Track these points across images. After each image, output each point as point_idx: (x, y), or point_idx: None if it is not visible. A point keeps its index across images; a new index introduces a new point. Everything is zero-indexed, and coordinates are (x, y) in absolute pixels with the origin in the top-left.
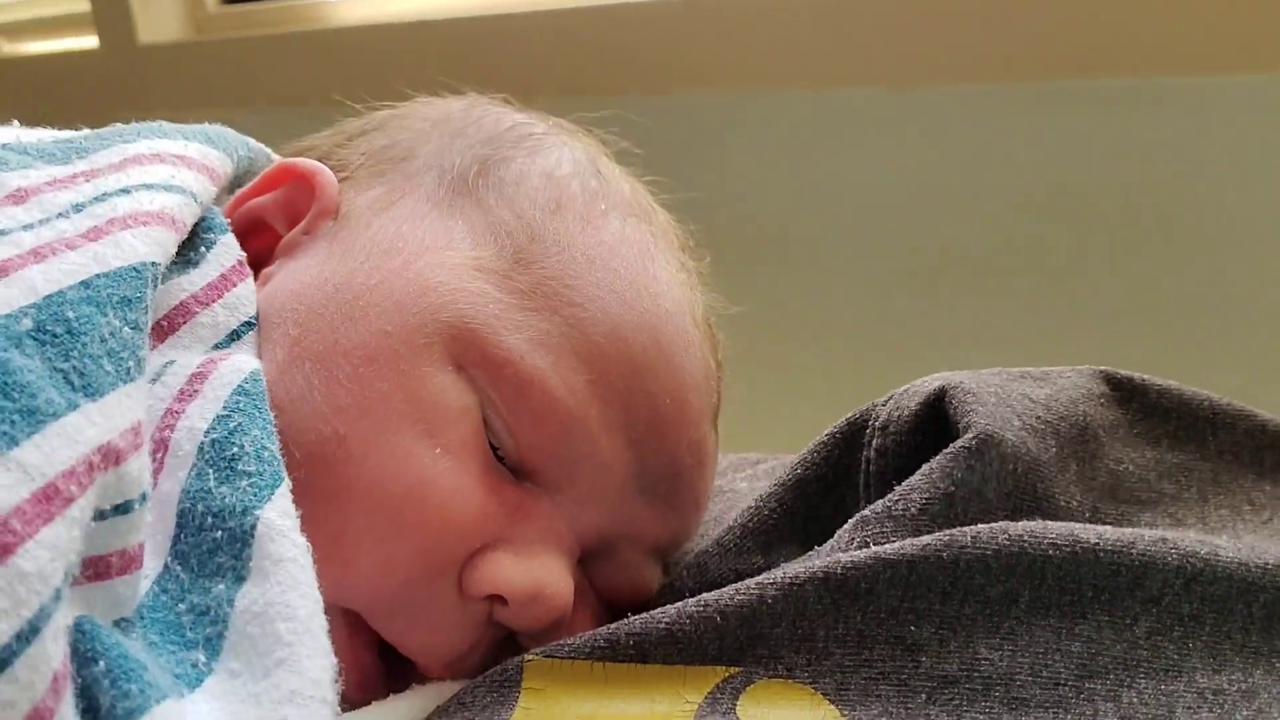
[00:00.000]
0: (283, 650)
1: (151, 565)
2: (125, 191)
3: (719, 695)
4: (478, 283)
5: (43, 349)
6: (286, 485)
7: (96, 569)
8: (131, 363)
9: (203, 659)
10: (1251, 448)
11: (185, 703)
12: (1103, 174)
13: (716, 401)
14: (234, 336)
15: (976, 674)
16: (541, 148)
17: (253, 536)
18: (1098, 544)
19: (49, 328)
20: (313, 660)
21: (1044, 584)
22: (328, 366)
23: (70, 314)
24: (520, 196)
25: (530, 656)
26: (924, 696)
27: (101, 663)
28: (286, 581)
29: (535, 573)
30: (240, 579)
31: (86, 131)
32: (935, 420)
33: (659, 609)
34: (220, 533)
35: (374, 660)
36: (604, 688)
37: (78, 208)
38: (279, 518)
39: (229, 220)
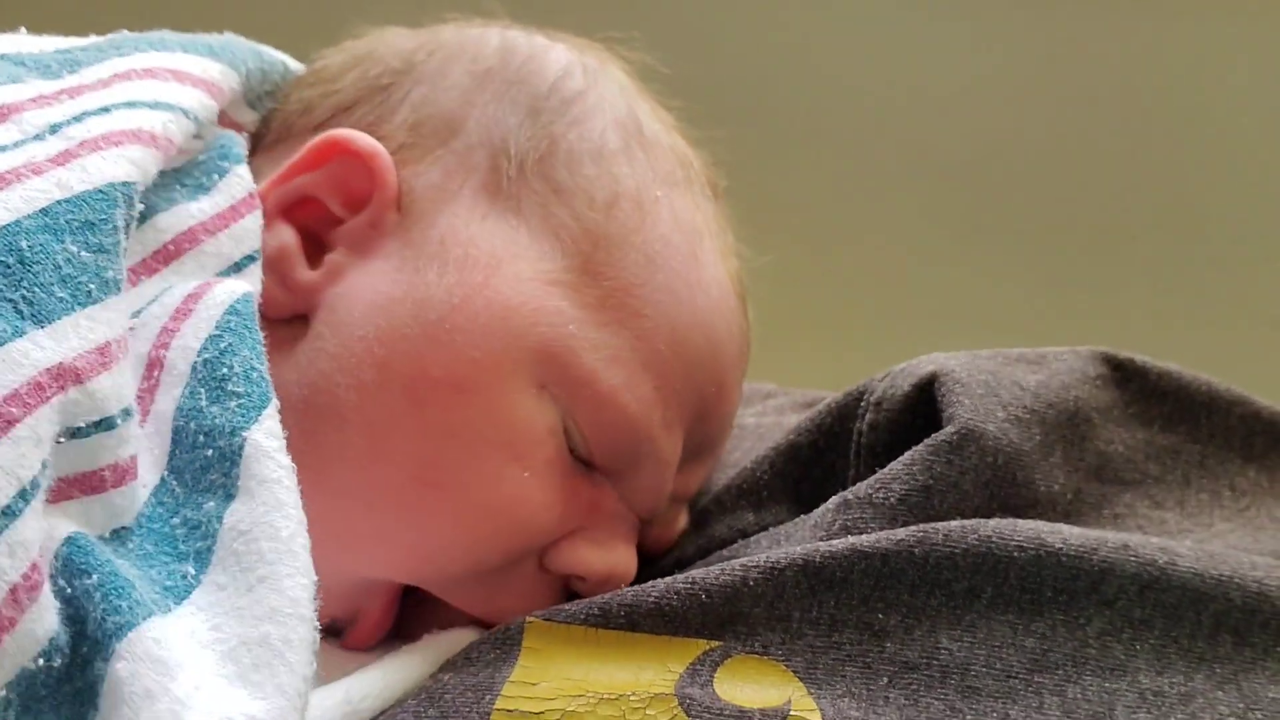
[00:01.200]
0: (265, 568)
1: (150, 478)
2: (105, 110)
3: (699, 666)
4: (553, 300)
5: None
6: (274, 406)
7: (90, 483)
8: (92, 285)
9: (192, 571)
10: (1243, 432)
11: (171, 618)
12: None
13: (745, 367)
14: (236, 268)
15: (936, 662)
16: (585, 116)
17: (240, 456)
18: (1061, 548)
19: (2, 259)
20: (292, 579)
21: (1006, 582)
22: (419, 394)
23: (24, 243)
24: (576, 191)
25: (531, 619)
26: (885, 680)
27: (94, 576)
28: (271, 502)
29: (609, 558)
30: (229, 497)
31: (88, 40)
32: (926, 402)
33: (649, 583)
34: (211, 451)
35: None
36: (596, 651)
37: (54, 129)
38: (265, 439)
39: (267, 194)
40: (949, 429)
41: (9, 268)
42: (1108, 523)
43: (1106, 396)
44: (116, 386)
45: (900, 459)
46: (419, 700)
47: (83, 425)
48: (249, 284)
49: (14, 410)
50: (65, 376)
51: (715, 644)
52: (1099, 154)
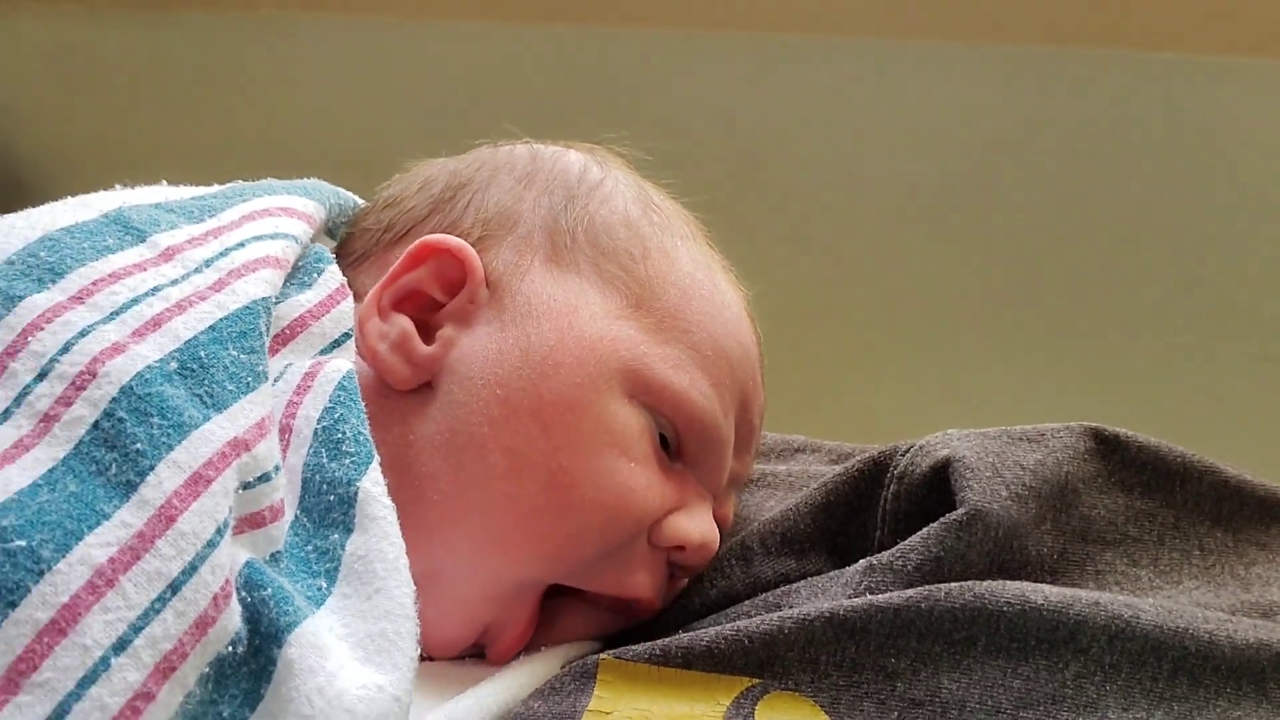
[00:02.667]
0: (379, 583)
1: (288, 516)
2: (241, 245)
3: (742, 700)
4: (624, 329)
5: (185, 381)
6: (376, 461)
7: (255, 520)
8: (249, 378)
9: (324, 585)
10: (1213, 499)
11: (315, 619)
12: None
13: (763, 367)
14: (336, 344)
15: (938, 699)
16: (609, 196)
17: (356, 500)
18: (1043, 604)
19: (189, 365)
20: (400, 589)
21: (997, 632)
22: (543, 418)
23: (202, 353)
24: (618, 250)
25: (604, 656)
26: (896, 714)
27: (268, 589)
28: (379, 534)
29: (703, 528)
30: (349, 530)
31: (215, 189)
32: (940, 481)
33: (703, 629)
34: (333, 496)
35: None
36: (658, 685)
37: (208, 263)
38: (372, 486)
39: (379, 295)
40: (960, 510)
41: (194, 372)
42: (1090, 579)
43: (1092, 467)
44: (270, 449)
45: (919, 533)
46: None
47: (251, 480)
48: (347, 359)
49: (210, 474)
50: (239, 446)
51: (756, 681)
52: (1099, 216)
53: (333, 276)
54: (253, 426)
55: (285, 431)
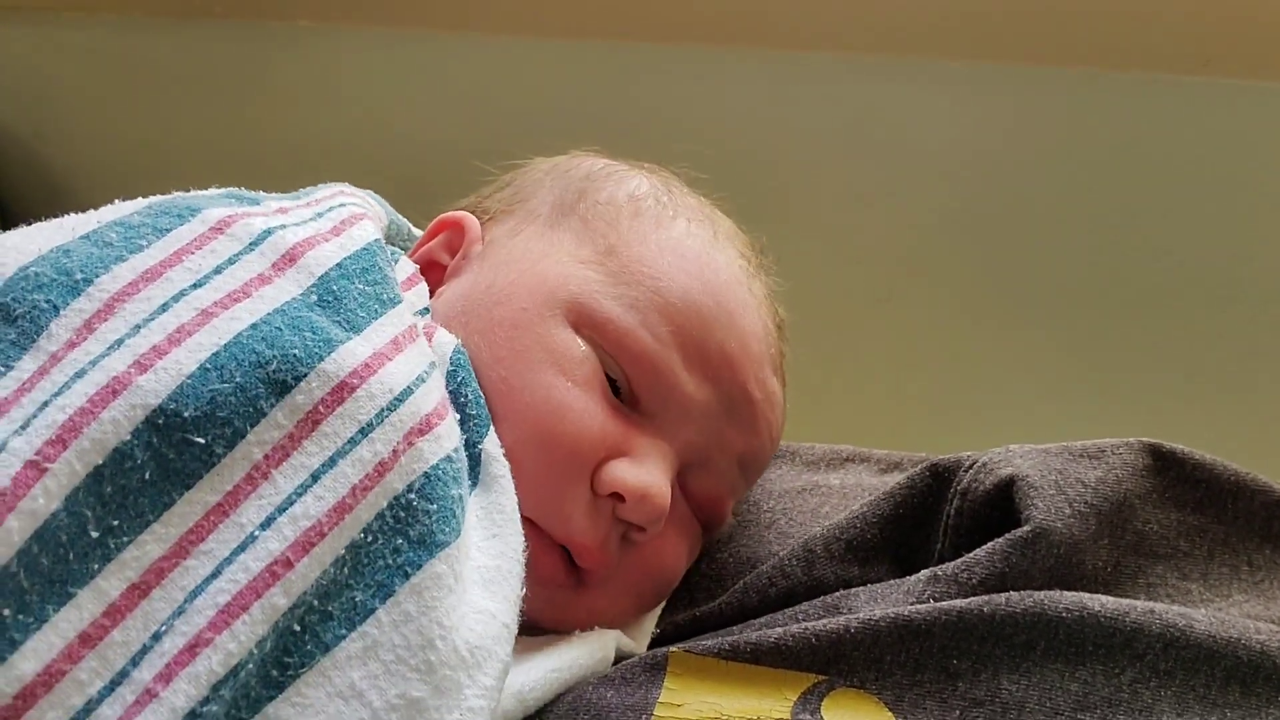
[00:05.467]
0: (496, 529)
1: (449, 420)
2: (342, 205)
3: (809, 696)
4: (583, 270)
5: (325, 310)
6: (491, 425)
7: (423, 426)
8: (376, 305)
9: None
10: (1264, 517)
11: (462, 542)
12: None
13: (777, 354)
14: (421, 313)
15: (998, 700)
16: (626, 178)
17: (480, 459)
18: (1100, 611)
19: (326, 299)
20: (513, 537)
21: (1056, 637)
22: (489, 335)
23: (334, 287)
24: (609, 210)
25: (674, 649)
26: (957, 713)
27: (434, 504)
28: (499, 490)
29: (644, 477)
30: (473, 486)
31: (304, 190)
32: (1004, 497)
33: (771, 627)
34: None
35: (557, 561)
36: (726, 679)
37: (319, 215)
38: (493, 447)
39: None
40: (1026, 528)
41: (331, 303)
42: (1141, 591)
43: (1149, 483)
44: (407, 364)
45: (984, 548)
46: (588, 714)
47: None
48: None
49: (355, 382)
50: (379, 358)
51: (822, 678)
52: (1137, 231)
53: (407, 264)
54: (386, 345)
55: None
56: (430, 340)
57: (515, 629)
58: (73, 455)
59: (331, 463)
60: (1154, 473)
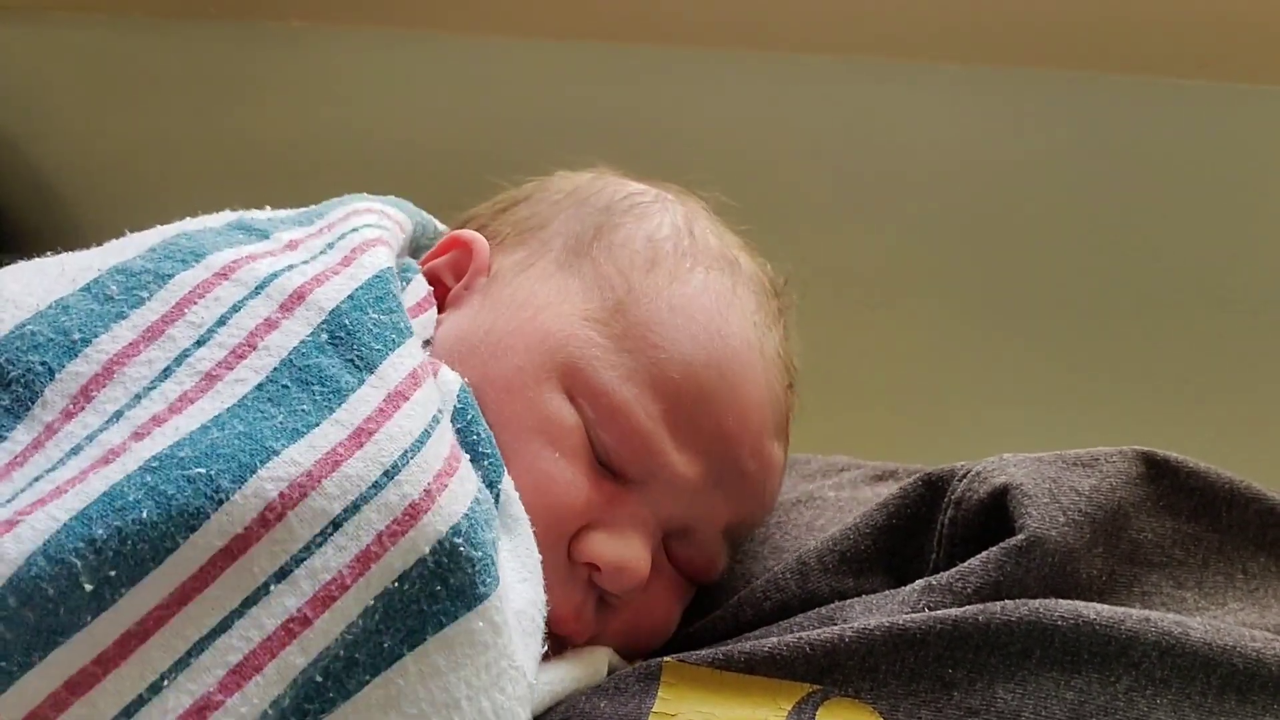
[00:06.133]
0: (528, 574)
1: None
2: (354, 230)
3: (804, 705)
4: (585, 330)
5: (337, 349)
6: (505, 465)
7: (455, 460)
8: (393, 335)
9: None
10: (1258, 525)
11: (502, 592)
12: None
13: (783, 418)
14: (426, 344)
15: (993, 709)
16: (648, 214)
17: (499, 500)
18: (1095, 619)
19: (337, 335)
20: (538, 588)
21: (1052, 645)
22: (481, 391)
23: (346, 321)
24: (624, 256)
25: (668, 659)
26: None
27: (479, 552)
28: (521, 532)
29: (621, 550)
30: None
31: (313, 206)
32: (998, 506)
33: (765, 636)
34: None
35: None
36: (720, 689)
37: (330, 246)
38: (510, 489)
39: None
40: (1020, 537)
41: (343, 340)
42: (1136, 600)
43: (1143, 491)
44: (432, 397)
45: (978, 557)
46: None
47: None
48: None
49: (372, 427)
50: (394, 399)
51: (817, 687)
52: (1135, 237)
53: (420, 286)
54: (405, 379)
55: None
56: (435, 375)
57: (537, 686)
58: None
59: (355, 508)
60: (1148, 481)
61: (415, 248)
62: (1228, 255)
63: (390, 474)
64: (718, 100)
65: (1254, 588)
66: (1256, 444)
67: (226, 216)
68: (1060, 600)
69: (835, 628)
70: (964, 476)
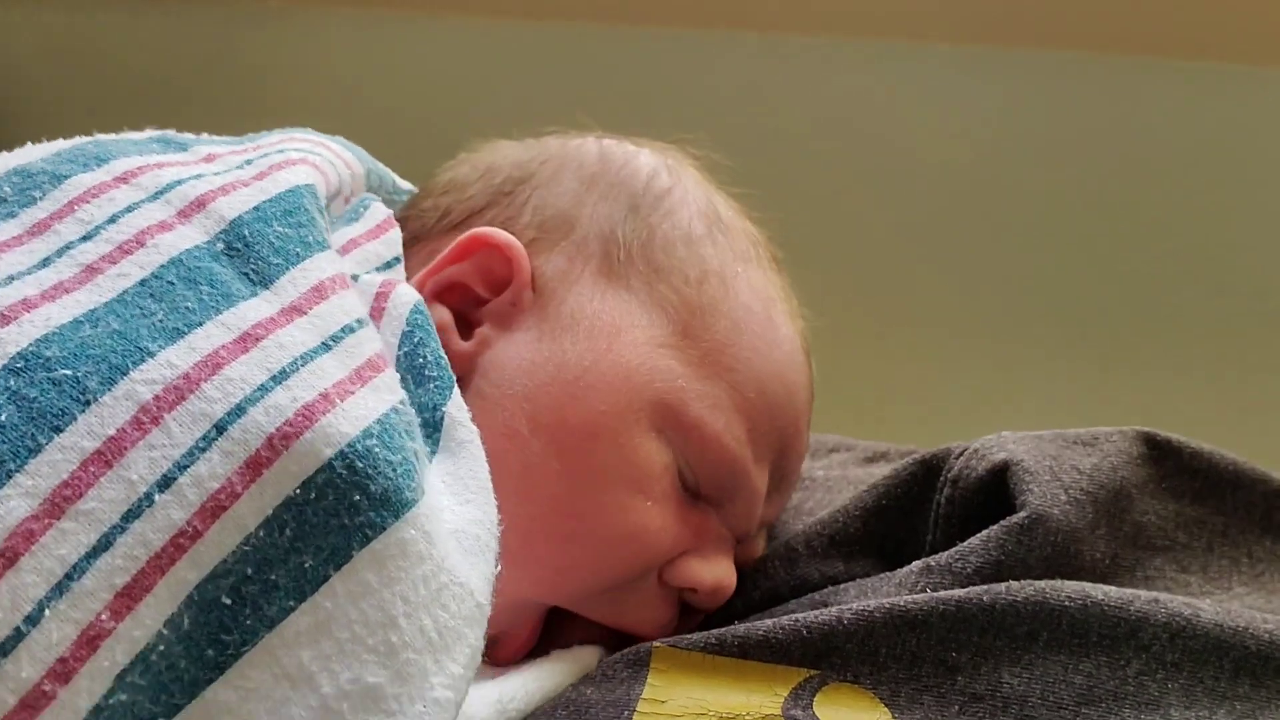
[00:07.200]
0: (471, 496)
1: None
2: (281, 151)
3: (800, 691)
4: (664, 360)
5: (233, 260)
6: (456, 387)
7: (367, 370)
8: (297, 248)
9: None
10: (1263, 508)
11: (431, 499)
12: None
13: (811, 408)
14: (388, 265)
15: (999, 694)
16: (674, 208)
17: (442, 425)
18: (1103, 600)
19: (235, 246)
20: (488, 506)
21: (1059, 628)
22: (560, 441)
23: (246, 232)
24: (673, 270)
25: (658, 644)
26: (956, 708)
27: (397, 455)
28: (468, 457)
29: (717, 573)
30: (432, 453)
31: (254, 134)
32: (997, 484)
33: (758, 620)
34: (419, 420)
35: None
36: (713, 675)
37: (249, 163)
38: (457, 411)
39: (423, 283)
40: (1022, 514)
41: (239, 251)
42: (1140, 584)
43: (1145, 472)
44: (342, 308)
45: (978, 535)
46: (567, 711)
47: (332, 334)
48: (407, 285)
49: (260, 333)
50: (289, 312)
51: (814, 672)
52: (1138, 220)
53: (380, 211)
54: (307, 292)
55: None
56: (387, 297)
57: (489, 610)
58: None
59: (239, 411)
60: (1149, 462)
61: (370, 190)
62: (1229, 237)
63: (279, 379)
64: (708, 81)
65: (1259, 572)
66: (1257, 426)
67: (151, 131)
68: (1067, 581)
69: (833, 609)
70: (961, 454)
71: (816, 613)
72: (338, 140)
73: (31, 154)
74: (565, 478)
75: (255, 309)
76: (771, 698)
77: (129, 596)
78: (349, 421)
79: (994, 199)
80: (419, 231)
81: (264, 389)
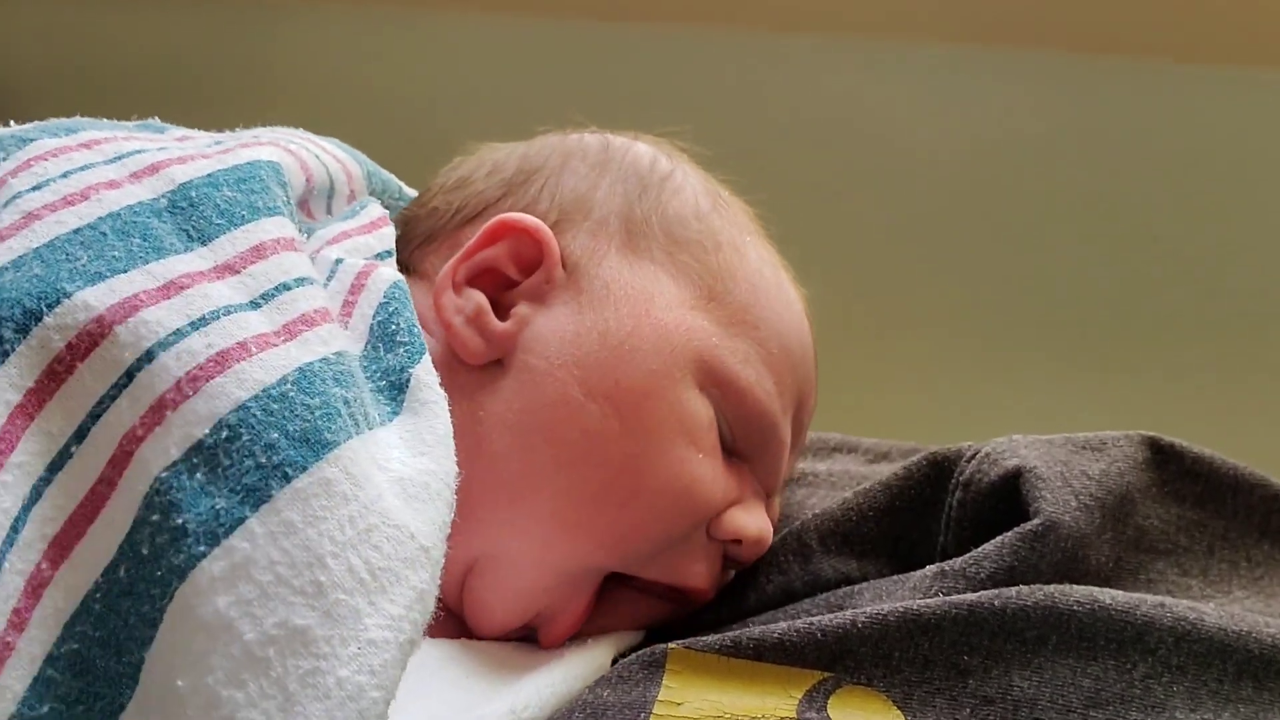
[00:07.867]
0: (427, 449)
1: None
2: (255, 139)
3: (815, 693)
4: (698, 320)
5: (174, 217)
6: (427, 354)
7: (302, 323)
8: (243, 211)
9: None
10: (1263, 511)
11: (362, 441)
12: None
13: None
14: (379, 258)
15: (1010, 697)
16: (680, 188)
17: (407, 385)
18: (1111, 604)
19: (179, 204)
20: (447, 460)
21: (1068, 631)
22: (616, 401)
23: (194, 194)
24: (690, 241)
25: (673, 646)
26: (968, 710)
27: (316, 399)
28: (430, 414)
29: (760, 523)
30: (395, 414)
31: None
32: (1009, 489)
33: (773, 621)
34: (384, 383)
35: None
36: (728, 677)
37: (217, 143)
38: (424, 374)
39: (455, 270)
40: (1036, 521)
41: (182, 209)
42: (1142, 587)
43: (1148, 477)
44: (280, 267)
45: (993, 541)
46: (583, 715)
47: (270, 289)
48: (394, 270)
49: (185, 282)
50: (225, 269)
51: (828, 675)
52: (1139, 223)
53: (376, 210)
54: (245, 251)
55: (343, 326)
56: (368, 275)
57: (439, 559)
58: None
59: (149, 356)
60: (1153, 466)
61: (373, 195)
62: (1229, 238)
63: (197, 325)
64: (706, 78)
65: (1259, 575)
66: (1257, 430)
67: (137, 120)
68: (1075, 585)
69: (847, 613)
70: (973, 458)
71: (831, 616)
72: (332, 141)
73: (9, 129)
74: (626, 437)
75: (186, 262)
76: (786, 700)
77: (61, 545)
78: (265, 370)
79: (993, 199)
80: (434, 229)
81: (180, 334)
